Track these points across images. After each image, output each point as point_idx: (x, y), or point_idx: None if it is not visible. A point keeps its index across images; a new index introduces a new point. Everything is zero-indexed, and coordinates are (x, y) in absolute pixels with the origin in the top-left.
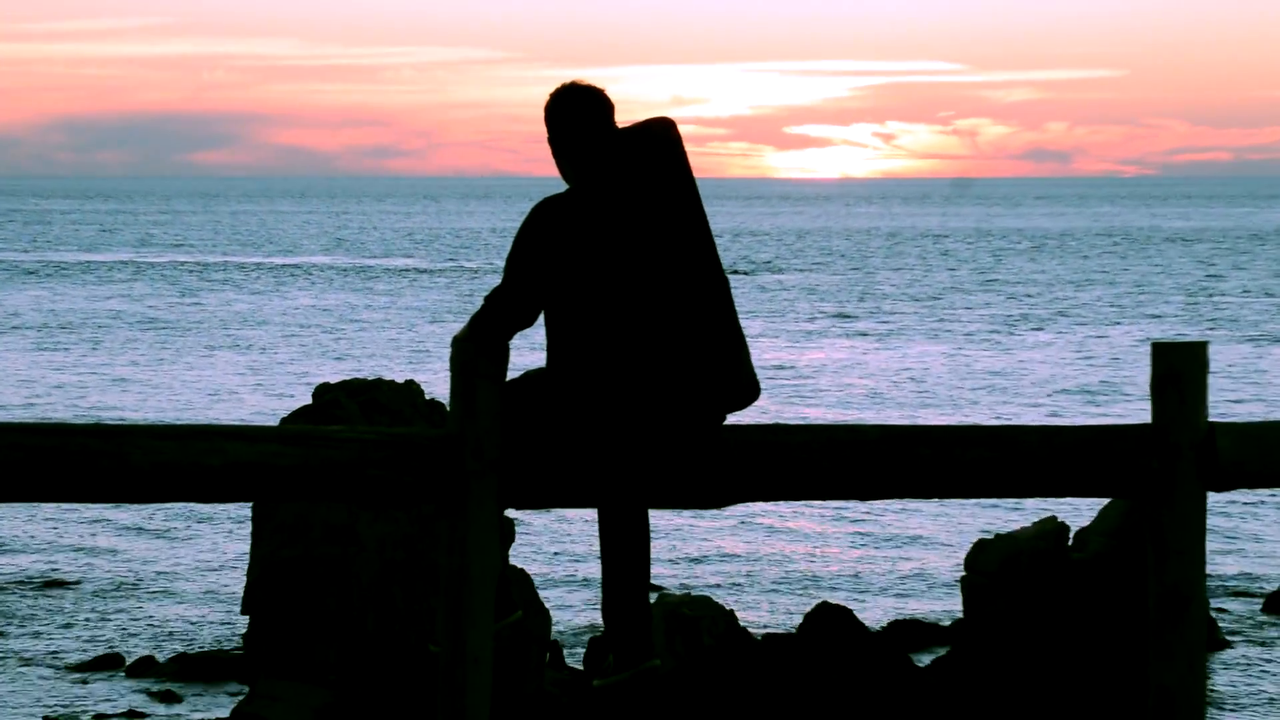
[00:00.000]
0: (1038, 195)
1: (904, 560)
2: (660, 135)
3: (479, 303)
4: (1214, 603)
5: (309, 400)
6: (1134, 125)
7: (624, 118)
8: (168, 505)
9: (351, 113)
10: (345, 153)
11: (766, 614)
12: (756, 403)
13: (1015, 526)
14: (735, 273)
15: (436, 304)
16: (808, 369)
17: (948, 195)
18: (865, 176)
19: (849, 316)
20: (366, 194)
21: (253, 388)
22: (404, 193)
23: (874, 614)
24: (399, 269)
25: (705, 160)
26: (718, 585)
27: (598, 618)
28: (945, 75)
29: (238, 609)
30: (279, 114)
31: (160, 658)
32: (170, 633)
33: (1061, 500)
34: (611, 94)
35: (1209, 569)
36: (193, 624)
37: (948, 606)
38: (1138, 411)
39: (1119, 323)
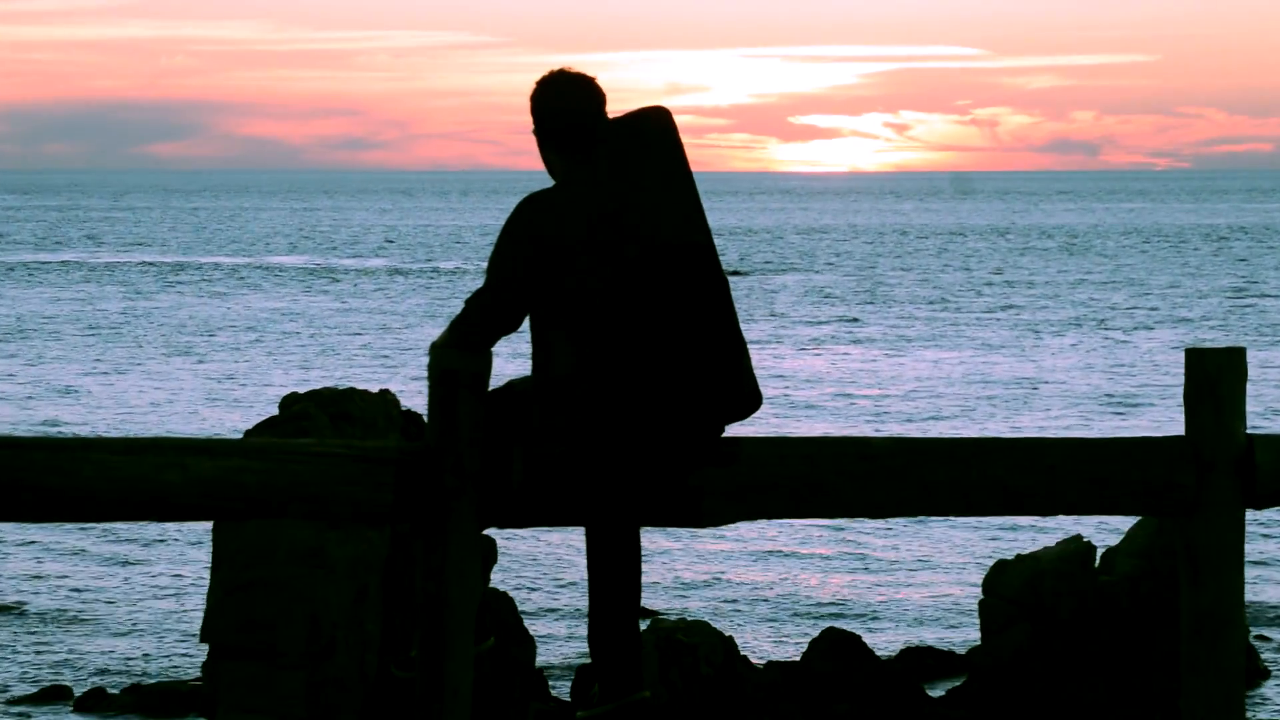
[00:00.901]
0: (1062, 189)
1: (917, 583)
2: (655, 126)
3: (459, 306)
4: (1253, 629)
5: (275, 411)
6: (1166, 114)
7: (616, 107)
8: (121, 525)
9: (322, 101)
10: (314, 144)
11: (768, 641)
12: (757, 413)
13: (1038, 546)
14: (735, 273)
15: (413, 308)
16: (812, 377)
17: (952, 193)
18: (876, 170)
19: (857, 321)
20: (337, 189)
21: (215, 398)
22: (378, 187)
23: (884, 641)
24: (372, 270)
25: (704, 153)
26: (715, 610)
27: (585, 645)
28: (963, 61)
29: (196, 637)
30: (243, 103)
31: (112, 690)
32: (123, 663)
33: (1087, 518)
34: (603, 82)
35: (1247, 593)
36: (147, 653)
37: (964, 633)
38: (1170, 423)
39: (1150, 327)
